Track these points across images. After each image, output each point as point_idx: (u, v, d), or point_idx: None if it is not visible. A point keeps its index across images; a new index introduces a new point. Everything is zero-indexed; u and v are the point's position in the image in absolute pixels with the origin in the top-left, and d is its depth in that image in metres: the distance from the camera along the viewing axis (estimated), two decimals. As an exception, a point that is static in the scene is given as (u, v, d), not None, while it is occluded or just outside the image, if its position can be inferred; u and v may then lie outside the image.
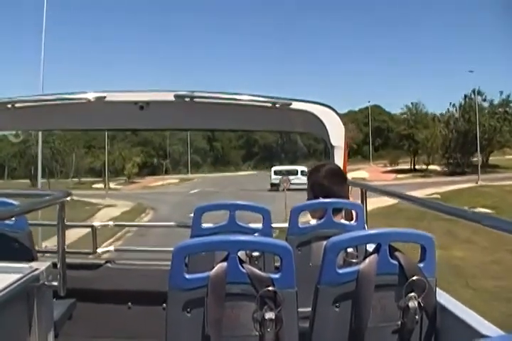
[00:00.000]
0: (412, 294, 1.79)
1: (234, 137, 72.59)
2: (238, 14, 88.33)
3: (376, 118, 71.89)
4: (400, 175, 54.35)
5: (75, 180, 56.56)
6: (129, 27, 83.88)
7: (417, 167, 60.63)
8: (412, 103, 61.06)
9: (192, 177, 58.78)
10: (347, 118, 71.31)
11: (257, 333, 1.75)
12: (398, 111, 63.21)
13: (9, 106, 3.37)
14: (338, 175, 3.02)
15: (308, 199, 3.02)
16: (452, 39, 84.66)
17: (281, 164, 67.54)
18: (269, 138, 68.52)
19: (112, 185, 54.16)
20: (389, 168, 60.29)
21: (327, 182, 2.95)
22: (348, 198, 3.03)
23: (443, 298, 2.01)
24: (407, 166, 59.95)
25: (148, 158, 66.12)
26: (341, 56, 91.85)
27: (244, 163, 72.86)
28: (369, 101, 74.23)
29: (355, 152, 66.47)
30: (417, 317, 1.80)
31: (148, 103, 3.46)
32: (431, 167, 58.45)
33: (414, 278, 1.79)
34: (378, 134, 70.55)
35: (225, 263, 1.74)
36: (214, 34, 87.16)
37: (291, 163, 66.36)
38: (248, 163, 72.12)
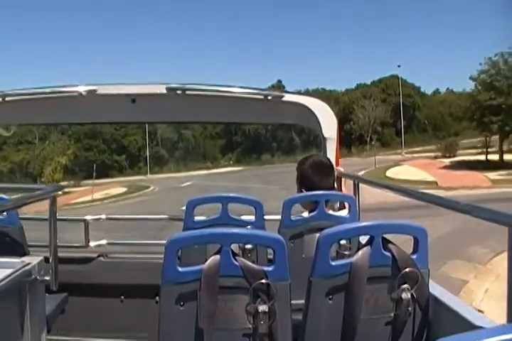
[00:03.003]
0: (405, 286, 1.83)
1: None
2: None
3: (397, 93, 54.59)
4: (490, 174, 30.73)
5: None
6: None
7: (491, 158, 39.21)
8: (501, 54, 37.48)
9: (148, 184, 40.87)
10: (358, 92, 55.88)
11: (251, 326, 1.80)
12: (423, 83, 43.18)
13: None
14: (322, 167, 3.09)
15: (298, 191, 3.11)
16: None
17: (272, 156, 52.62)
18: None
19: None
20: (447, 161, 41.48)
21: (311, 174, 3.05)
22: (335, 189, 3.10)
23: (436, 289, 2.05)
24: (469, 156, 41.58)
25: (98, 154, 53.37)
26: (345, 23, 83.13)
27: (223, 156, 59.89)
28: (399, 66, 57.72)
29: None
30: (409, 308, 1.85)
31: (140, 96, 3.57)
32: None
33: (407, 269, 1.83)
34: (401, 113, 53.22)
35: (217, 256, 1.78)
36: (204, 25, 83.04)
37: (287, 153, 51.57)
38: (229, 156, 59.31)
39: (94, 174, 35.51)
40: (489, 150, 40.47)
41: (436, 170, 34.40)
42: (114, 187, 38.34)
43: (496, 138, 40.74)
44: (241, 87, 3.56)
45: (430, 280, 1.94)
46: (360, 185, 3.29)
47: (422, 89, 61.29)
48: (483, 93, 36.03)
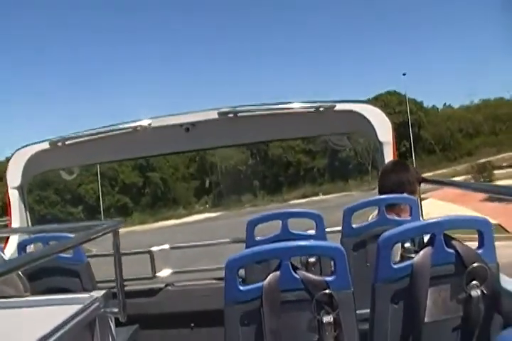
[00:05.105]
0: (474, 282, 1.77)
1: (181, 162, 52.79)
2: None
3: (397, 110, 46.96)
4: None
5: None
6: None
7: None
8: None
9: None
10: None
11: (317, 338, 1.80)
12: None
13: (59, 144, 3.74)
14: (382, 172, 3.17)
15: None
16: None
17: (255, 196, 44.96)
18: (233, 158, 49.76)
19: None
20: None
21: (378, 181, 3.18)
22: (406, 189, 2.98)
23: (508, 283, 2.01)
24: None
25: (49, 207, 46.86)
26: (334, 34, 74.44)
27: (198, 199, 51.96)
28: (404, 74, 50.20)
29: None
30: (481, 306, 1.78)
31: (193, 124, 3.74)
32: None
33: (475, 265, 1.77)
34: (404, 134, 44.90)
35: (278, 272, 1.80)
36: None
37: (273, 192, 43.69)
38: (204, 200, 51.48)
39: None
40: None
41: (480, 203, 25.13)
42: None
43: None
44: (291, 102, 3.63)
45: (501, 274, 1.89)
46: None
47: (424, 105, 53.66)
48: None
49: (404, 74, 50.54)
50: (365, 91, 64.58)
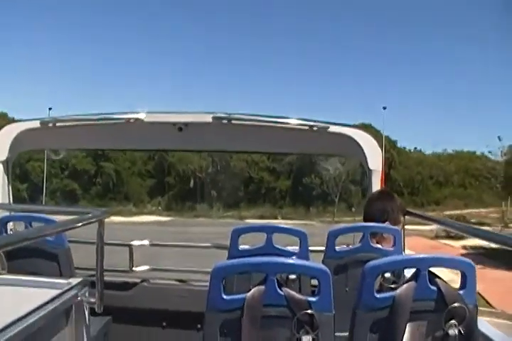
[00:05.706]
0: (453, 321, 1.81)
1: (139, 157, 50.01)
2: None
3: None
4: None
5: None
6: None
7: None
8: None
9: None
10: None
11: None
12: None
13: (50, 125, 3.73)
14: (367, 201, 3.20)
15: None
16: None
17: (211, 207, 45.67)
18: (193, 163, 48.09)
19: None
20: (456, 244, 27.58)
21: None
22: (388, 218, 3.03)
23: (484, 326, 2.07)
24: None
25: None
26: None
27: (151, 199, 49.37)
28: (384, 108, 43.88)
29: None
30: None
31: (186, 124, 3.72)
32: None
33: (455, 304, 1.80)
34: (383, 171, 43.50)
35: (262, 286, 1.80)
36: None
37: (229, 206, 42.06)
38: (158, 200, 48.95)
39: None
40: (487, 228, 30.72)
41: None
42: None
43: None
44: (286, 118, 3.62)
45: (478, 317, 1.91)
46: None
47: (398, 145, 52.31)
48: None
49: (384, 108, 46.76)
50: (340, 120, 63.44)
